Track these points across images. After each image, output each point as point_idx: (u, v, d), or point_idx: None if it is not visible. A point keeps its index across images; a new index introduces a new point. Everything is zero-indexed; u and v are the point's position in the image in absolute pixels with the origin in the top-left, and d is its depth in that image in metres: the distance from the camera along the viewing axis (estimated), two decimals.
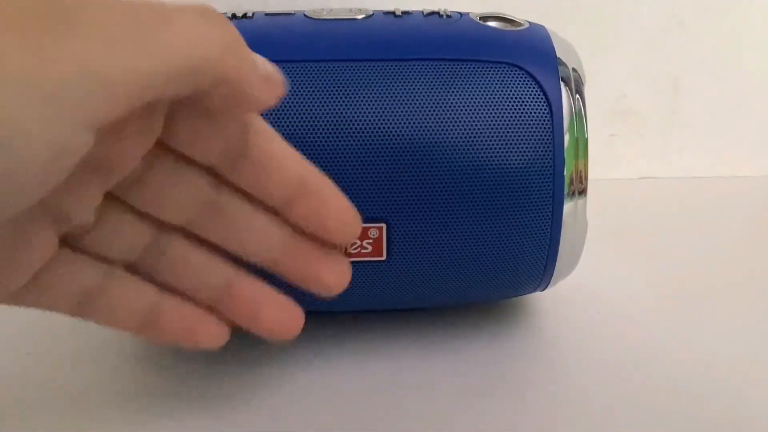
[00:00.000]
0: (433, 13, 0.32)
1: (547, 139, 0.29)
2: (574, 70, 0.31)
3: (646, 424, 0.29)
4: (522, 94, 0.29)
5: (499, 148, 0.29)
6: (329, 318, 0.34)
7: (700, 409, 0.29)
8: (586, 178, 0.30)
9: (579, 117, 0.30)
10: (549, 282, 0.32)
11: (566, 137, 0.30)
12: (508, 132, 0.29)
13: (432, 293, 0.32)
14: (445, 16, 0.32)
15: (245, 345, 0.33)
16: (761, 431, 0.28)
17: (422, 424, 0.29)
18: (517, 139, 0.29)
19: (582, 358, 0.33)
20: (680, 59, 0.49)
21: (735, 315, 0.36)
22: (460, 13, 0.32)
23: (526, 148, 0.29)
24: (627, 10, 0.48)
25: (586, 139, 0.30)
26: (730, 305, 0.37)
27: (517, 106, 0.29)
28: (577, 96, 0.30)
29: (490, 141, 0.29)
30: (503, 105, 0.29)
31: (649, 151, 0.51)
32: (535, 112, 0.29)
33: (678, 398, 0.30)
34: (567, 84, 0.30)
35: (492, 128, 0.29)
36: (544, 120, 0.29)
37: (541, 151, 0.29)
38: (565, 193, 0.30)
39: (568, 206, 0.30)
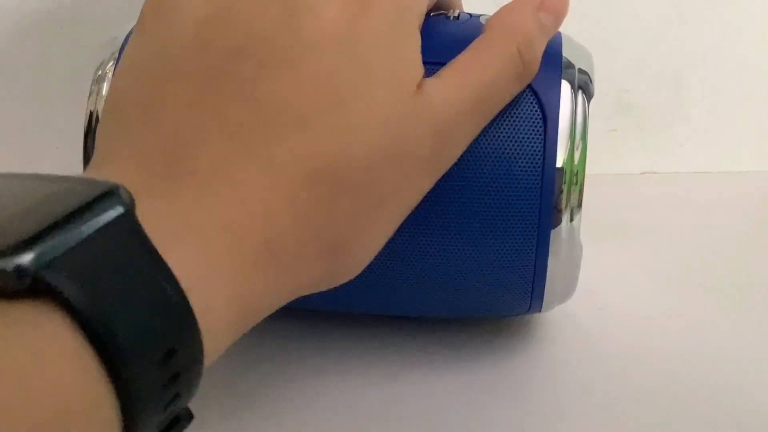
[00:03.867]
0: (440, 14, 0.30)
1: (536, 154, 0.27)
2: (582, 71, 0.28)
3: (647, 421, 0.29)
4: (514, 101, 0.27)
5: (484, 159, 0.27)
6: (329, 317, 0.34)
7: (702, 406, 0.29)
8: (580, 197, 0.27)
9: (578, 127, 0.27)
10: (540, 306, 0.30)
11: (560, 152, 0.27)
12: (494, 141, 0.27)
13: (414, 302, 0.30)
14: (452, 18, 0.29)
15: (243, 343, 0.33)
16: (763, 429, 0.28)
17: (422, 421, 0.29)
18: (504, 150, 0.27)
19: (583, 353, 0.33)
20: (682, 53, 0.49)
21: (737, 310, 0.36)
22: (469, 14, 0.30)
23: (513, 161, 0.27)
24: (628, 4, 0.47)
25: (584, 158, 0.27)
26: (733, 301, 0.37)
27: (507, 113, 0.27)
28: (581, 101, 0.28)
29: (476, 151, 0.26)
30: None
31: (651, 146, 0.50)
32: (525, 122, 0.27)
33: (679, 395, 0.30)
34: (572, 87, 0.27)
35: (479, 137, 0.26)
36: (535, 131, 0.27)
37: (528, 166, 0.27)
38: (553, 217, 0.27)
39: (556, 231, 0.27)
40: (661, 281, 0.38)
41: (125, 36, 0.30)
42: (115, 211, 0.17)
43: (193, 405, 0.29)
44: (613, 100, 0.49)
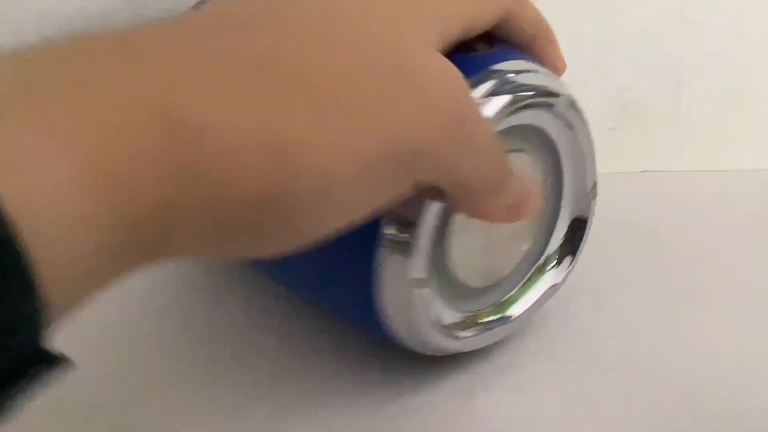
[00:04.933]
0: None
1: None
2: (508, 80, 0.25)
3: (647, 420, 0.29)
4: None
5: None
6: (328, 317, 0.34)
7: (702, 405, 0.29)
8: (431, 219, 0.24)
9: None
10: (390, 336, 0.28)
11: None
12: None
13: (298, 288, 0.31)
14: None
15: (240, 348, 0.33)
16: (763, 427, 0.28)
17: (422, 419, 0.29)
18: None
19: (583, 350, 0.33)
20: (682, 51, 0.49)
21: (736, 309, 0.36)
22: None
23: None
24: (628, 2, 0.47)
25: None
26: (732, 299, 0.36)
27: None
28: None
29: None
30: None
31: (651, 144, 0.50)
32: None
33: (679, 394, 0.30)
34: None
35: None
36: None
37: None
38: (380, 242, 0.24)
39: (385, 259, 0.24)
40: (660, 279, 0.38)
41: None
42: None
43: (188, 404, 0.30)
44: (613, 98, 0.49)
